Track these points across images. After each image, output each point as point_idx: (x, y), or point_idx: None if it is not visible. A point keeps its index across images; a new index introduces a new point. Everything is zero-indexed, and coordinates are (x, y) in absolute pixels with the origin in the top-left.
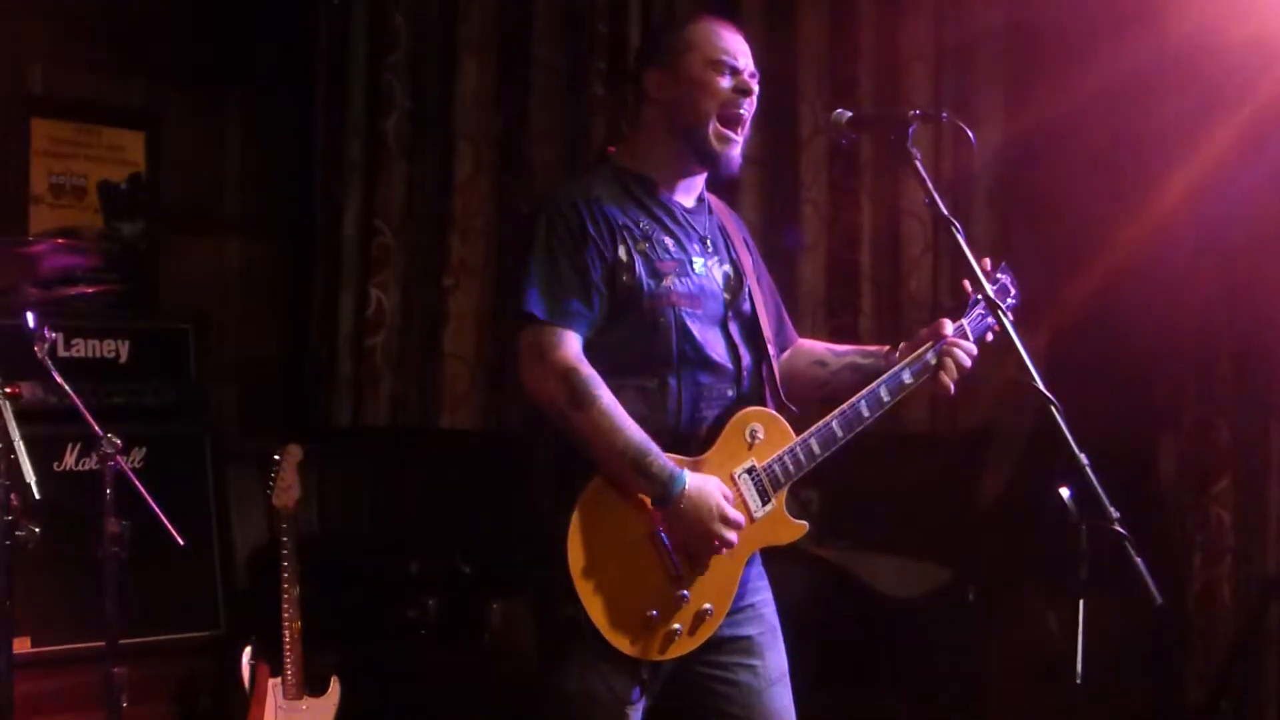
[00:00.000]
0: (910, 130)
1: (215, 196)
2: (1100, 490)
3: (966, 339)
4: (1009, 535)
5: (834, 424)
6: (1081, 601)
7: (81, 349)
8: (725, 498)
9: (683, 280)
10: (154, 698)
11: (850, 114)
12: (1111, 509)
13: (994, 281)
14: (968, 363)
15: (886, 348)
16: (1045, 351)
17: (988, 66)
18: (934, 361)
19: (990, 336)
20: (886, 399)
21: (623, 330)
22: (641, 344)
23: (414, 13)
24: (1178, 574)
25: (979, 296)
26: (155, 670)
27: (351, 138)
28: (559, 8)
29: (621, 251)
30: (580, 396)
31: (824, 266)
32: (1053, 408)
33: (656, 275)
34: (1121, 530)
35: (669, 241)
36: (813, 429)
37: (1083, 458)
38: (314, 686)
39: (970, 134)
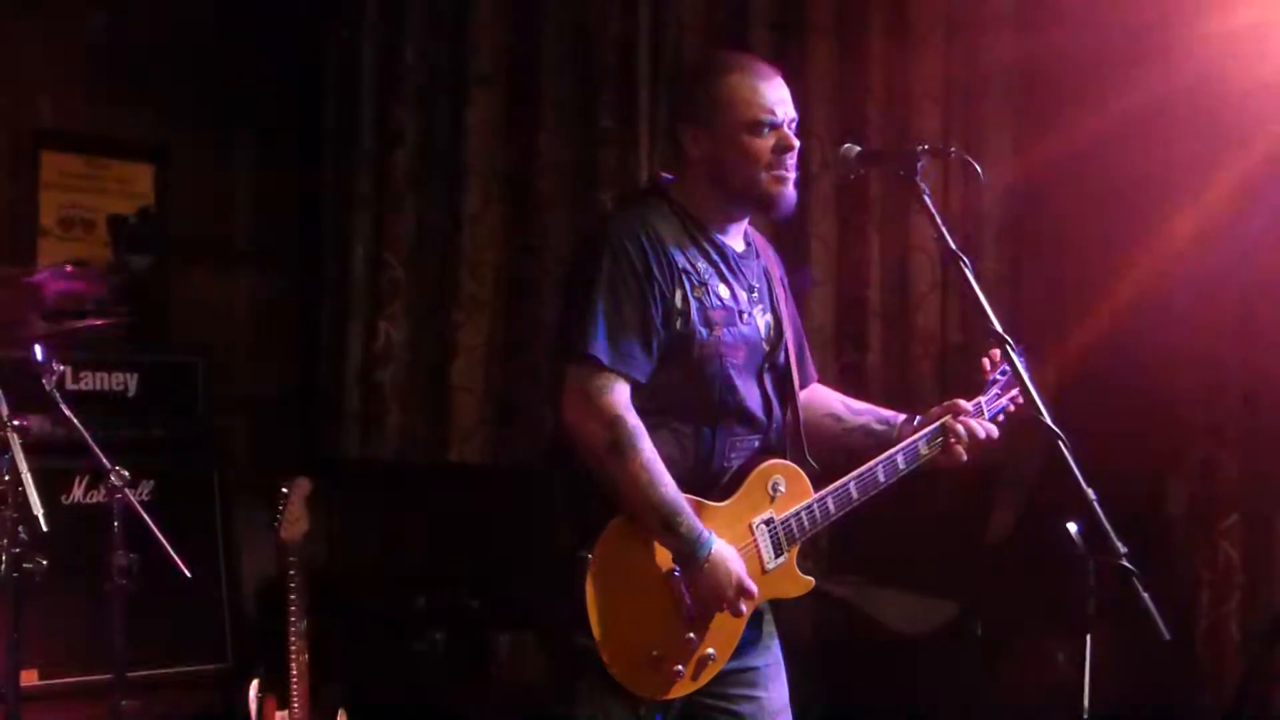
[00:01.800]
0: (919, 165)
1: (224, 230)
2: (1108, 525)
3: (983, 417)
4: (1017, 571)
5: (851, 485)
6: (1089, 637)
7: (90, 382)
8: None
9: (731, 330)
10: None
11: (859, 149)
12: (1119, 544)
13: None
14: (980, 433)
15: (903, 417)
16: (1053, 387)
17: (996, 104)
18: (950, 436)
19: (1003, 418)
20: (902, 466)
21: (669, 374)
22: (686, 391)
23: (423, 46)
24: (1186, 610)
25: (995, 377)
26: (163, 703)
27: (360, 171)
28: (567, 41)
29: (678, 296)
30: (622, 446)
31: (832, 302)
32: (1061, 443)
33: (709, 324)
34: (1129, 566)
35: (723, 289)
36: (830, 488)
37: (1091, 493)
38: (321, 719)
39: (978, 169)
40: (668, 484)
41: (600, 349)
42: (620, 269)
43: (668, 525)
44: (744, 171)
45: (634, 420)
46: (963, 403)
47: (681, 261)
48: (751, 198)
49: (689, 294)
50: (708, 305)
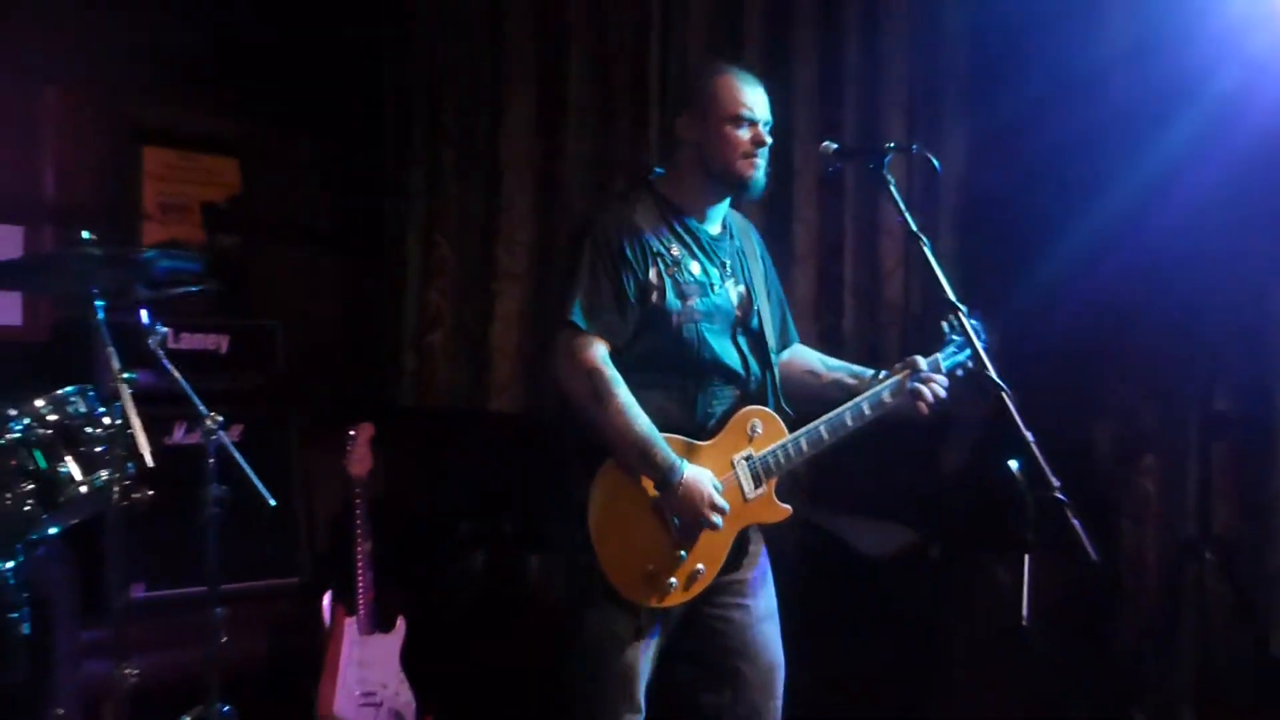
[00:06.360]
0: (886, 160)
1: (300, 214)
2: (1044, 463)
3: (940, 372)
4: (968, 502)
5: (821, 428)
6: (1028, 558)
7: (188, 342)
8: (716, 488)
9: (703, 300)
10: (249, 634)
11: (836, 146)
12: (1054, 479)
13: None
14: (941, 393)
15: (871, 372)
16: (998, 347)
17: (954, 108)
18: (910, 387)
19: (961, 372)
20: (868, 413)
21: (653, 340)
22: (669, 353)
23: (466, 59)
24: (1109, 538)
25: (953, 337)
26: (250, 611)
27: (414, 166)
28: (589, 55)
29: (653, 274)
30: (601, 393)
31: (813, 277)
32: (1005, 395)
33: (682, 296)
34: (1062, 497)
35: (695, 266)
36: (803, 430)
37: (1029, 436)
38: (383, 624)
39: (936, 163)
40: (643, 422)
41: (578, 315)
42: (599, 252)
43: (644, 456)
44: (723, 154)
45: (611, 372)
46: (920, 360)
47: (656, 245)
48: (728, 179)
49: (663, 272)
50: (680, 280)
